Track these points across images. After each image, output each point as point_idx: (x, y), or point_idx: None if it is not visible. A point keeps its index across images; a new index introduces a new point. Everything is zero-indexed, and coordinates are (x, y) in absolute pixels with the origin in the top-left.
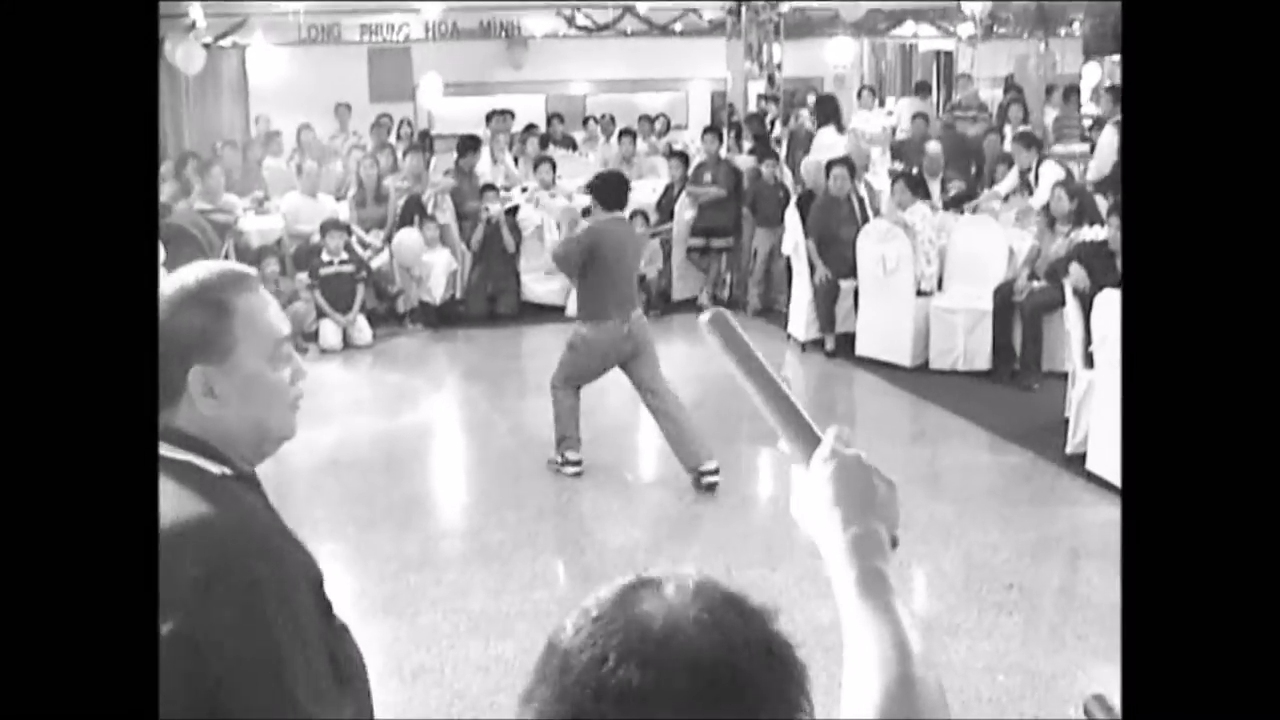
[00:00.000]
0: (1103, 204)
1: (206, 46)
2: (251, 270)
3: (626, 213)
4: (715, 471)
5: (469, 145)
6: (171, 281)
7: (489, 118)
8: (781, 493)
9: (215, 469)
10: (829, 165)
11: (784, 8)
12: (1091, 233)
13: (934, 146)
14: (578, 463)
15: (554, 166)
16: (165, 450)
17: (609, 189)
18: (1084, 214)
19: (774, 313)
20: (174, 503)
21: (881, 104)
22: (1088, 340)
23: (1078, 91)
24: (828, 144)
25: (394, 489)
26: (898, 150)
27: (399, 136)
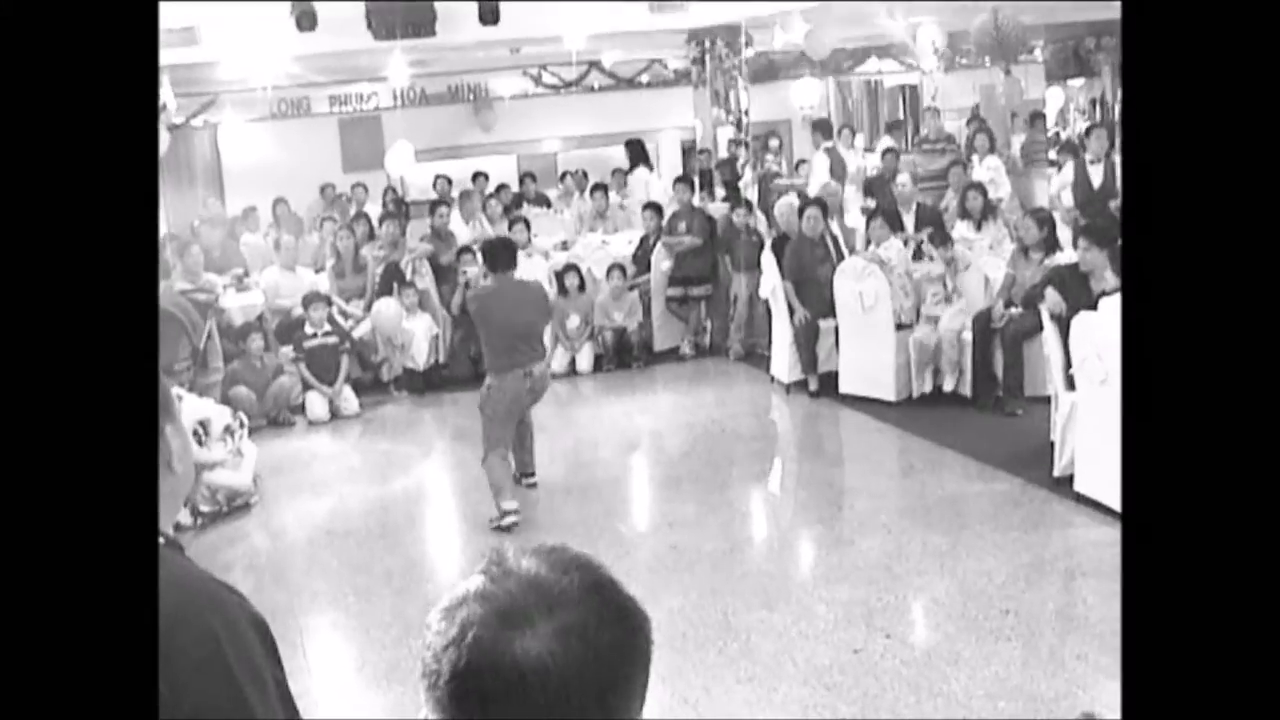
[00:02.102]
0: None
1: (176, 127)
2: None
3: (519, 273)
4: (533, 475)
5: (440, 204)
6: None
7: (474, 178)
8: (773, 534)
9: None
10: (802, 206)
11: (748, 53)
12: (1064, 257)
13: (903, 178)
14: (515, 511)
15: (528, 225)
16: None
17: (496, 252)
18: (1054, 241)
19: (757, 356)
20: None
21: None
22: (1067, 363)
23: (1043, 117)
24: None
25: (391, 555)
26: (869, 187)
27: (383, 204)
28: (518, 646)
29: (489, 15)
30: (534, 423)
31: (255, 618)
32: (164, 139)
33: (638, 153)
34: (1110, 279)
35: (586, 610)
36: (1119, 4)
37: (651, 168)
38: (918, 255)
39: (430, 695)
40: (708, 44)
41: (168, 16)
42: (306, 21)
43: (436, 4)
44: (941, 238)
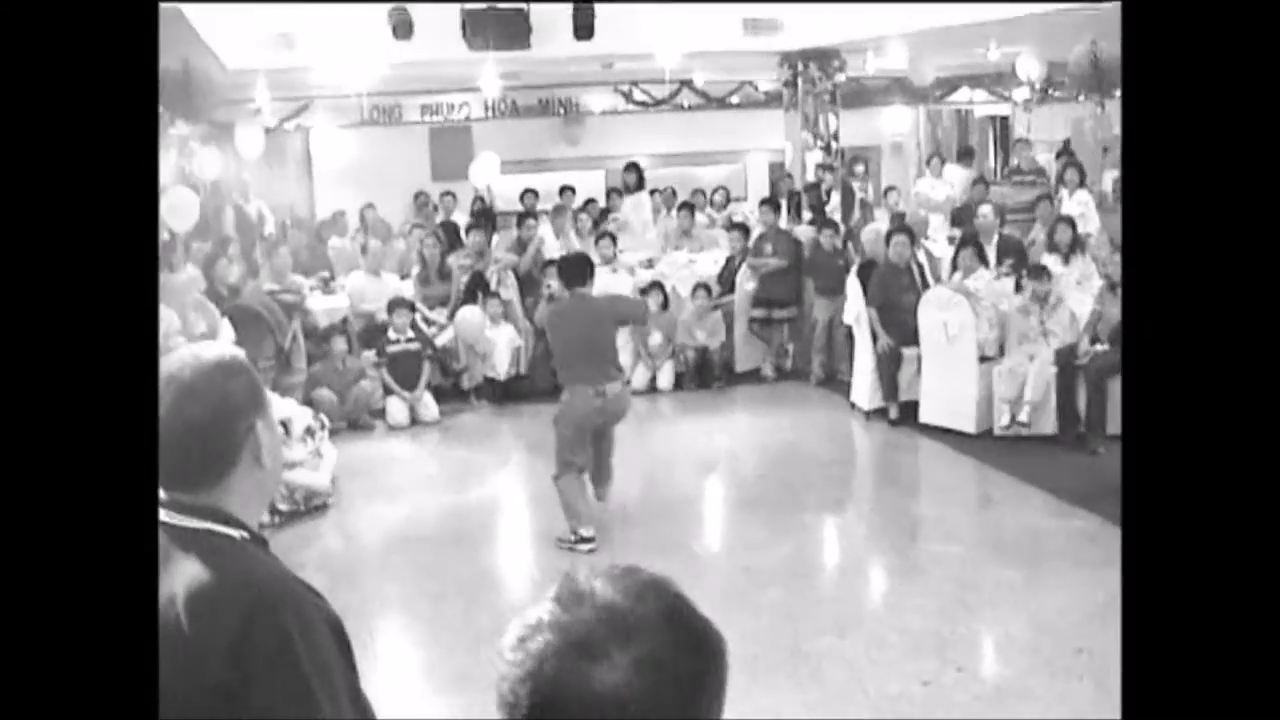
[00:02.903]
0: None
1: (269, 130)
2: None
3: (593, 289)
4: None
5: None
6: (193, 360)
7: (561, 192)
8: (846, 561)
9: (235, 534)
10: (889, 233)
11: (839, 77)
12: None
13: (985, 209)
14: (590, 539)
15: (614, 240)
16: (186, 521)
17: (570, 268)
18: None
19: (837, 382)
20: (199, 568)
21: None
22: None
23: None
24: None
25: (464, 563)
26: (957, 217)
27: (470, 214)
28: (595, 679)
29: (583, 30)
30: (615, 441)
31: (332, 618)
32: (258, 142)
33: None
34: None
35: (663, 639)
36: None
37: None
38: (1019, 288)
39: None
40: (800, 66)
41: (265, 21)
42: (403, 30)
43: (532, 17)
44: (1037, 271)
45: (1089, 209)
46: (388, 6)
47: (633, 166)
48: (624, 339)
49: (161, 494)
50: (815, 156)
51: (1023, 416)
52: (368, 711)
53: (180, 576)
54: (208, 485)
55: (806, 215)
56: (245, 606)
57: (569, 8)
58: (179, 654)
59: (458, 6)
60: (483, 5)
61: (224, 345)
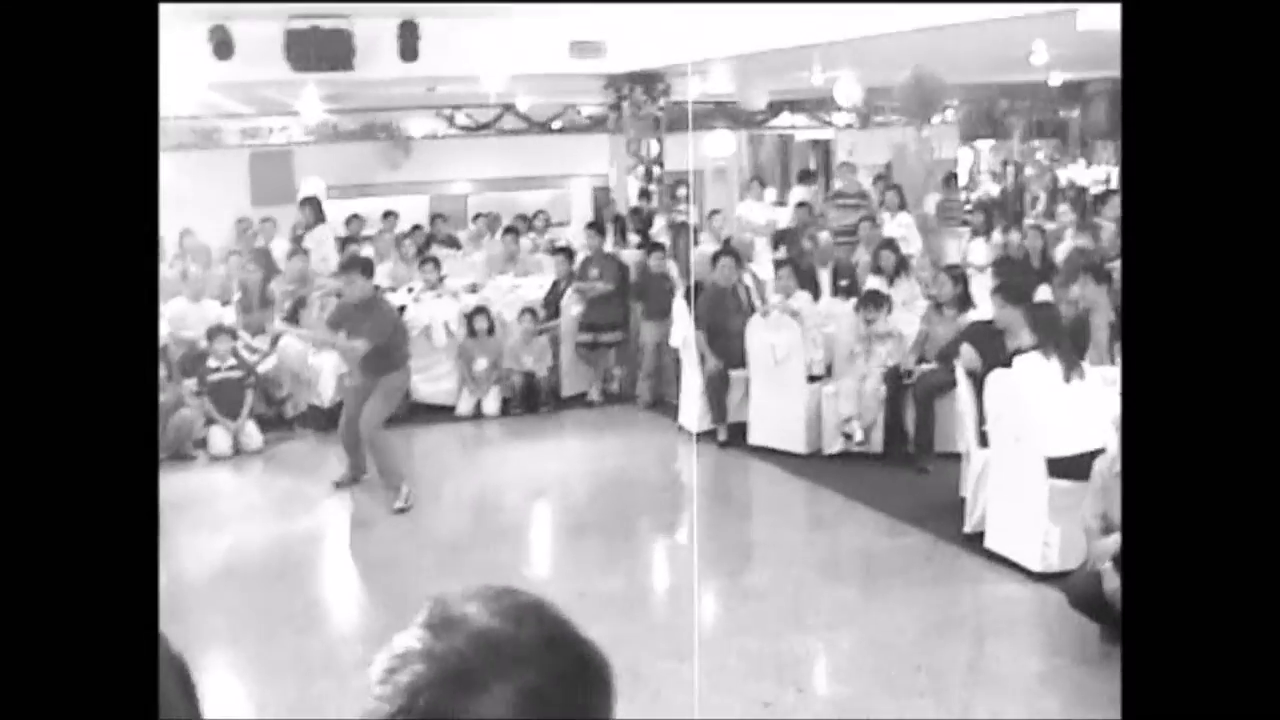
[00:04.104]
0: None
1: None
2: None
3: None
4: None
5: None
6: None
7: (384, 216)
8: (681, 584)
9: None
10: (715, 256)
11: (664, 101)
12: (976, 314)
13: (825, 236)
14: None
15: (438, 265)
16: None
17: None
18: (968, 298)
19: (665, 405)
20: None
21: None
22: (981, 419)
23: (955, 176)
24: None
25: (291, 595)
26: (780, 239)
27: (291, 239)
28: (473, 713)
29: (409, 51)
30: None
31: (172, 657)
32: None
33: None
34: (1025, 336)
35: (546, 668)
36: (1033, 67)
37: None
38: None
39: None
40: (625, 90)
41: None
42: (223, 50)
43: (356, 38)
44: (876, 299)
45: (910, 231)
46: (207, 25)
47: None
48: (449, 365)
49: None
50: (639, 180)
51: (856, 435)
52: None
53: None
54: None
55: (633, 239)
56: None
57: (393, 28)
58: None
59: (280, 26)
60: (305, 25)
61: None
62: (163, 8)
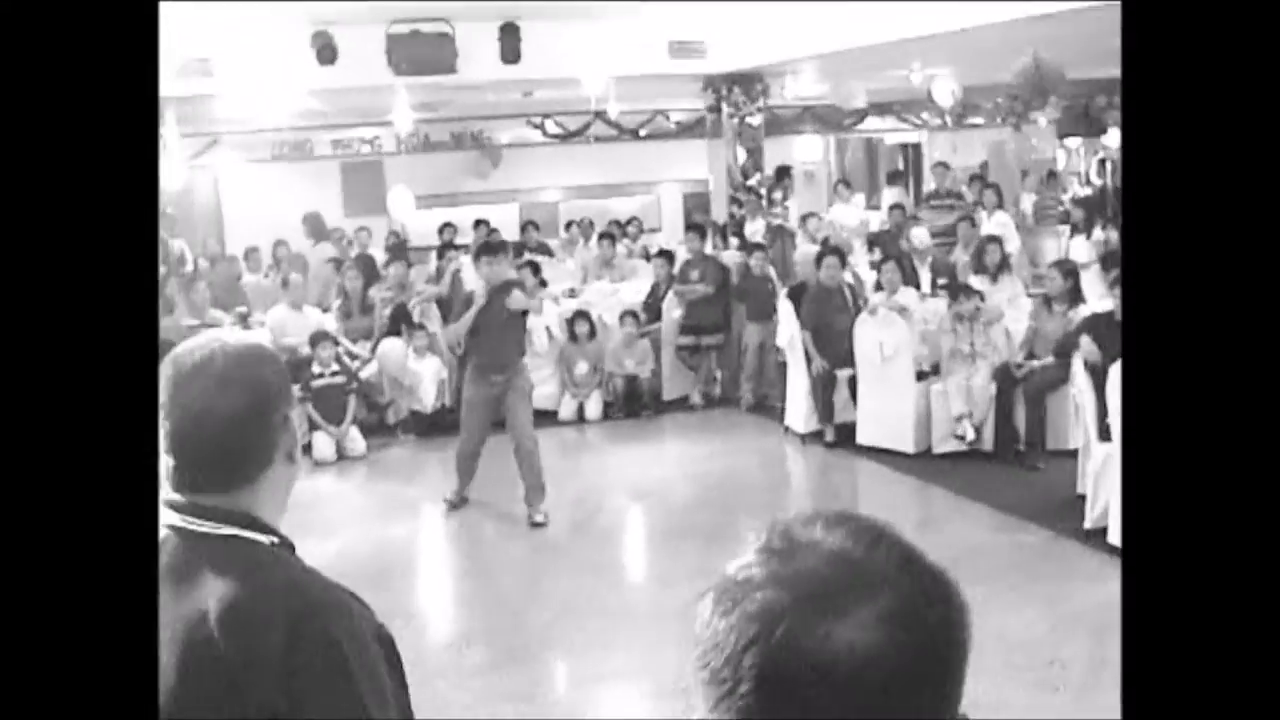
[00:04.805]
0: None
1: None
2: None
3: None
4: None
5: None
6: (223, 347)
7: (475, 225)
8: None
9: (265, 540)
10: (820, 255)
11: (762, 104)
12: (1086, 310)
13: (920, 232)
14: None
15: (537, 269)
16: (212, 528)
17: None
18: (1079, 293)
19: (767, 408)
20: (233, 580)
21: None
22: (1102, 413)
23: (1055, 174)
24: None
25: (399, 597)
26: (874, 241)
27: (386, 248)
28: (838, 639)
29: (510, 53)
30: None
31: (380, 630)
32: (178, 176)
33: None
34: None
35: (907, 590)
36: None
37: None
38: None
39: (720, 705)
40: (724, 90)
41: (182, 45)
42: (327, 54)
43: (457, 41)
44: (964, 290)
45: (1008, 230)
46: (311, 30)
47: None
48: (551, 369)
49: (175, 497)
50: (735, 181)
51: (968, 434)
52: None
53: (211, 589)
54: (240, 484)
55: (734, 241)
56: (290, 619)
57: (494, 30)
58: (217, 677)
59: (381, 30)
60: (406, 29)
61: (245, 333)
62: (265, 13)
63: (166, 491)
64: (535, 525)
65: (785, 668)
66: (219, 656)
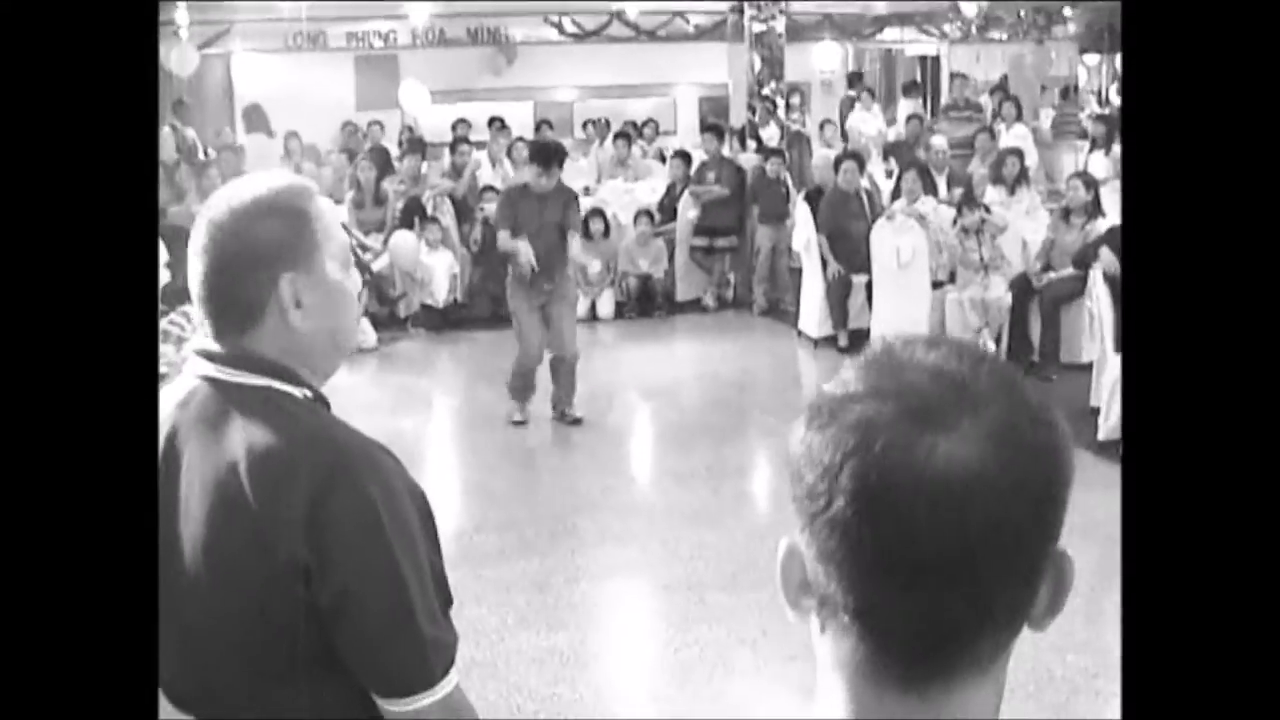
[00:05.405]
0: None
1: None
2: (310, 181)
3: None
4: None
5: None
6: (239, 193)
7: (490, 123)
8: (784, 487)
9: (298, 392)
10: (838, 159)
11: (784, 7)
12: (1105, 224)
13: (939, 141)
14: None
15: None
16: (244, 378)
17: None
18: (1098, 205)
19: (780, 311)
20: (264, 429)
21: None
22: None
23: (1076, 89)
24: None
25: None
26: (891, 150)
27: (399, 142)
28: (943, 452)
29: None
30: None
31: (414, 487)
32: (191, 61)
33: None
34: None
35: (1012, 410)
36: None
37: None
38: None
39: (815, 522)
40: None
41: None
42: None
43: None
44: (970, 201)
45: (1027, 143)
46: None
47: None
48: None
49: (210, 346)
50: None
51: (988, 347)
52: (448, 594)
53: (240, 439)
54: (232, 336)
55: (751, 144)
56: (322, 472)
57: None
58: (244, 529)
59: None
60: None
61: (293, 176)
62: None
63: (201, 340)
64: (572, 421)
65: (886, 481)
66: (246, 509)
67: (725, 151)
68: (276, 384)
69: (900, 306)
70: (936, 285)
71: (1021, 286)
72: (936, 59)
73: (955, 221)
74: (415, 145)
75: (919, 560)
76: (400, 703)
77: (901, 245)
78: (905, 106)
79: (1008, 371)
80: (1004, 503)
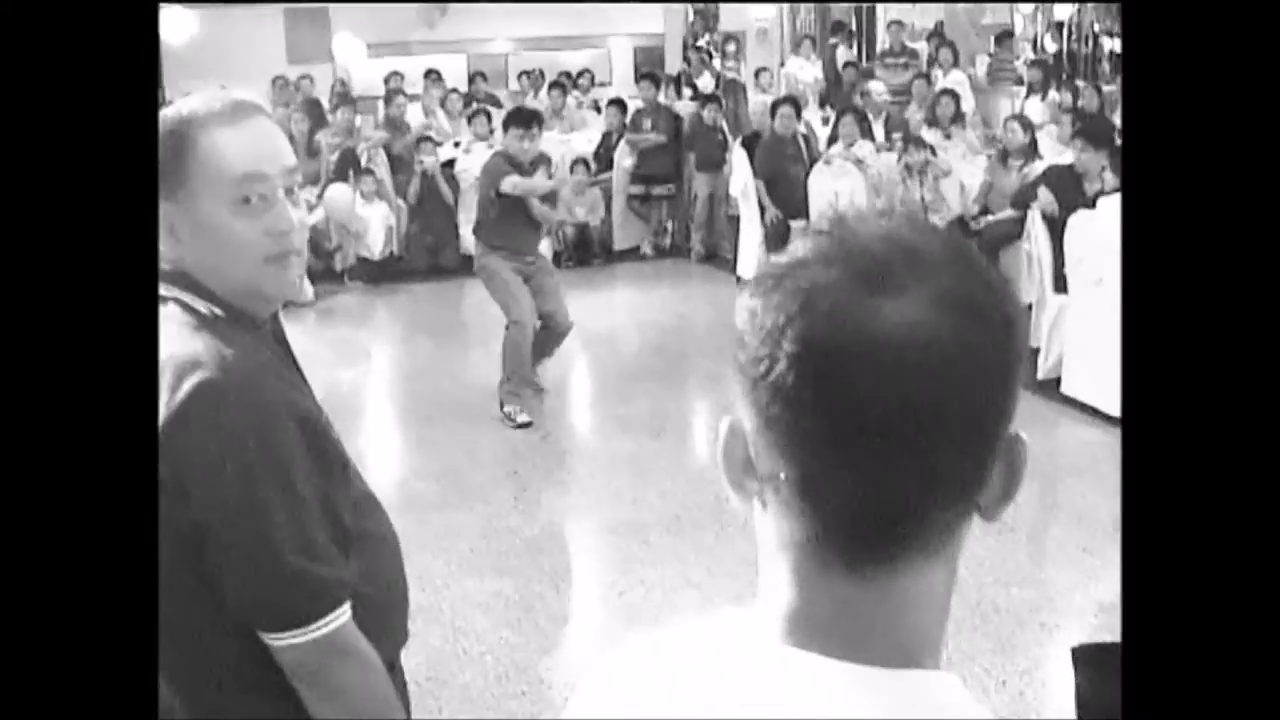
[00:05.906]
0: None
1: None
2: (260, 105)
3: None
4: None
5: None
6: (177, 106)
7: (426, 74)
8: None
9: (203, 307)
10: (774, 104)
11: None
12: (1041, 166)
13: (877, 86)
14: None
15: (490, 118)
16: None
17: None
18: (1035, 148)
19: (719, 259)
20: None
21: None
22: (1058, 264)
23: (1011, 36)
24: None
25: (353, 438)
26: (827, 97)
27: (331, 95)
28: (891, 315)
29: None
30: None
31: (304, 414)
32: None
33: None
34: (1108, 179)
35: (964, 277)
36: None
37: None
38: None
39: (757, 388)
40: None
41: None
42: None
43: None
44: (916, 142)
45: (964, 89)
46: None
47: None
48: None
49: None
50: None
51: None
52: (346, 530)
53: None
54: None
55: (687, 92)
56: (184, 394)
57: None
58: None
59: None
60: None
61: (233, 95)
62: None
63: None
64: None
65: (830, 344)
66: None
67: (661, 99)
68: (180, 294)
69: None
70: None
71: (960, 229)
72: (872, 6)
73: (900, 159)
74: (345, 98)
75: (862, 425)
76: (270, 638)
77: (839, 189)
78: (843, 53)
79: (961, 241)
80: (952, 368)
